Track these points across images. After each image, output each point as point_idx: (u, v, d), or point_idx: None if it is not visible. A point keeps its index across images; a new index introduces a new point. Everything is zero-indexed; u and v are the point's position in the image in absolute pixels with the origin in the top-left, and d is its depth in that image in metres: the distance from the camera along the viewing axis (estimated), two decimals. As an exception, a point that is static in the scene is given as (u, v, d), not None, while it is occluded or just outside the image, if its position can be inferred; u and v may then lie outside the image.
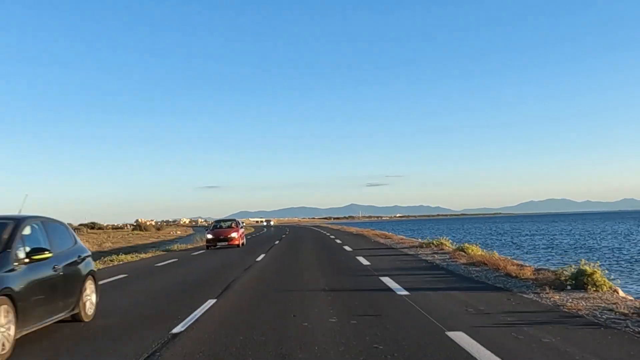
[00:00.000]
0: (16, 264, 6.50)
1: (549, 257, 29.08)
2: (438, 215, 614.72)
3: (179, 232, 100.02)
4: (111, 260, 21.84)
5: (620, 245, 38.60)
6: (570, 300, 8.57)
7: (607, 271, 10.56)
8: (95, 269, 9.03)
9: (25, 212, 7.85)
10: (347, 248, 24.22)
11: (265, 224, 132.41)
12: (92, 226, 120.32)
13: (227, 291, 11.18)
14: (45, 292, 6.95)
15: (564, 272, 10.26)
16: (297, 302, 9.42)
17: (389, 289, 10.59)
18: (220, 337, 6.83)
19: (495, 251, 17.92)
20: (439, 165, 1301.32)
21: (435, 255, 18.18)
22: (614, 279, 10.40)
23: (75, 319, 7.99)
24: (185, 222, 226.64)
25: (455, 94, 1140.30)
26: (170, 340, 6.70)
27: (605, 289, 9.38)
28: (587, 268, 9.79)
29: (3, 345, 5.94)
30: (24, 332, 6.46)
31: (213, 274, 14.83)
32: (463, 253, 17.98)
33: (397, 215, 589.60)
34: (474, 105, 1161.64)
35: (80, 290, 8.05)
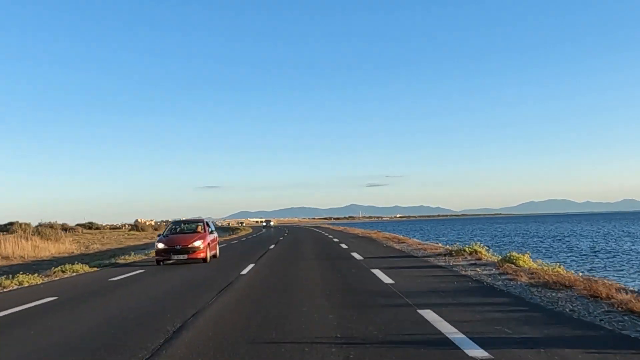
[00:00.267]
0: None
1: (618, 269, 24.51)
2: (438, 215, 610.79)
3: None
4: (62, 272, 17.42)
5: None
6: None
7: None
8: None
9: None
10: (356, 256, 19.77)
11: (265, 224, 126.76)
12: (90, 226, 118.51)
13: (176, 341, 6.75)
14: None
15: None
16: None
17: (446, 342, 6.20)
18: None
19: (559, 264, 13.54)
20: (439, 166, 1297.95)
21: (478, 269, 13.73)
22: None
23: None
24: None
25: (455, 94, 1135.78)
26: None
27: None
28: None
29: None
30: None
31: (169, 301, 10.36)
32: (513, 265, 13.66)
33: (398, 215, 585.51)
34: (474, 105, 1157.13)
35: None
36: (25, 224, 62.37)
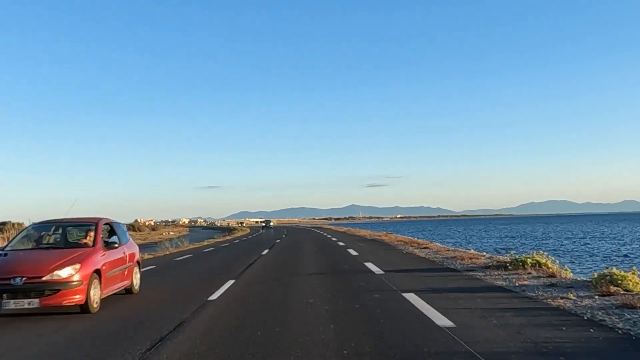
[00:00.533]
0: None
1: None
2: (439, 216, 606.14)
3: (171, 234, 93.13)
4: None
5: None
6: None
7: None
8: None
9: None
10: (372, 268, 14.91)
11: (263, 224, 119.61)
12: None
13: None
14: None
15: None
16: None
17: None
18: None
19: None
20: (439, 166, 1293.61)
21: (570, 296, 8.89)
22: None
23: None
24: (184, 222, 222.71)
25: (455, 94, 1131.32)
26: None
27: None
28: None
29: None
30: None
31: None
32: (619, 289, 9.01)
33: (398, 216, 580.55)
34: (474, 105, 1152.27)
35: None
36: (19, 224, 58.51)
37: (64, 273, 8.88)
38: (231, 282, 12.72)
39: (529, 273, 12.02)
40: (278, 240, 37.86)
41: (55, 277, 8.79)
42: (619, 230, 75.50)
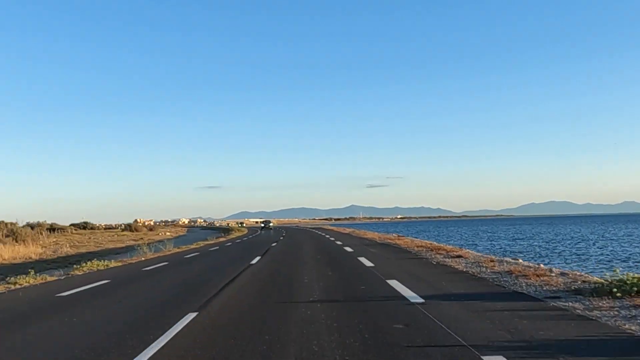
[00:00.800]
0: None
1: None
2: (439, 216, 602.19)
3: (168, 234, 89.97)
4: None
5: None
6: None
7: None
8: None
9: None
10: (404, 291, 10.27)
11: (263, 225, 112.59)
12: (84, 226, 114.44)
13: None
14: None
15: None
16: None
17: None
18: None
19: None
20: (439, 166, 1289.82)
21: None
22: None
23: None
24: (184, 222, 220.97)
25: (455, 94, 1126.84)
26: None
27: None
28: None
29: None
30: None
31: None
32: None
33: (398, 216, 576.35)
34: (474, 105, 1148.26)
35: None
36: (11, 223, 55.10)
37: None
38: (176, 330, 7.43)
39: (615, 298, 7.54)
40: (274, 244, 33.26)
41: None
42: (629, 232, 71.65)
